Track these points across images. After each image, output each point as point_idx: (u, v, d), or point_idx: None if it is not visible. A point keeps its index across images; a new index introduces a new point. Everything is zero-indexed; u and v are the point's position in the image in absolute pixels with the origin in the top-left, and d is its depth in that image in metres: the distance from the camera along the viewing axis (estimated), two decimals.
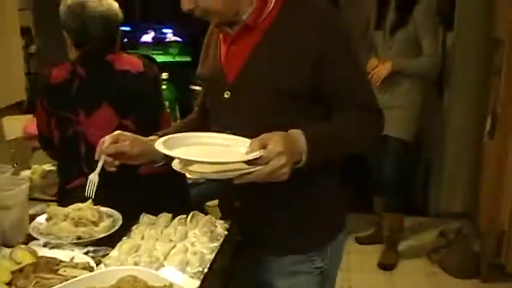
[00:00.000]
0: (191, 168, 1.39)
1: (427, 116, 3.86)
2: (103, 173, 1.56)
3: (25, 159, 3.13)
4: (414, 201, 4.57)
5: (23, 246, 1.36)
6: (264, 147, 1.31)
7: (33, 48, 4.70)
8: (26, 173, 2.68)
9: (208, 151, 1.43)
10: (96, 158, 1.55)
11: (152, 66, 2.30)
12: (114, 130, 2.07)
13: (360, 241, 4.04)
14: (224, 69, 1.58)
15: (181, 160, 1.40)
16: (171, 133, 1.65)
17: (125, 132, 1.60)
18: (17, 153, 3.29)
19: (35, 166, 2.71)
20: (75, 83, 2.17)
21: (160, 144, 1.39)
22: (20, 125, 3.43)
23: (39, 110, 2.27)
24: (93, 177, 1.56)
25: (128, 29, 5.64)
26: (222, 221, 1.54)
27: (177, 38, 5.86)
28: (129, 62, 2.24)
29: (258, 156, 1.30)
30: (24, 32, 4.59)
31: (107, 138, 1.55)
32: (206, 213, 1.60)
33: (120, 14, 2.26)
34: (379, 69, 3.46)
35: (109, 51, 2.22)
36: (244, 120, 1.53)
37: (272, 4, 1.53)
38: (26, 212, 1.55)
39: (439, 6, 3.94)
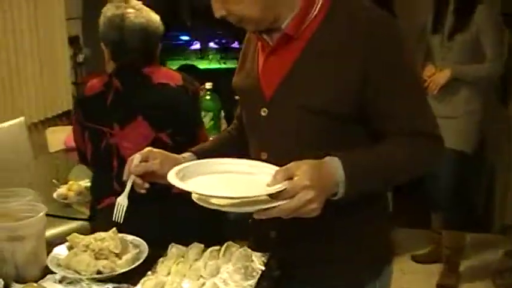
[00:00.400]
0: (209, 199, 1.23)
1: (490, 124, 3.58)
2: (132, 193, 1.43)
3: (66, 173, 3.06)
4: (476, 216, 4.25)
5: (34, 284, 1.22)
6: (289, 178, 1.16)
7: (81, 57, 4.67)
8: (62, 189, 2.59)
9: (229, 181, 1.30)
10: (124, 178, 1.42)
11: (192, 81, 2.17)
12: (150, 144, 2.00)
13: (417, 260, 3.78)
14: (261, 83, 1.41)
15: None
16: (207, 148, 1.58)
17: (156, 150, 1.46)
18: (60, 166, 3.24)
19: (71, 182, 2.61)
20: (110, 95, 2.09)
21: (173, 176, 1.25)
22: (63, 137, 3.39)
23: (74, 122, 2.22)
24: (122, 201, 1.42)
25: (173, 35, 5.55)
26: (259, 254, 1.37)
27: (224, 45, 5.73)
28: (168, 75, 2.14)
29: (281, 189, 1.15)
30: (73, 41, 4.57)
31: (136, 157, 1.42)
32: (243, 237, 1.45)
33: (161, 27, 2.17)
34: (436, 76, 3.21)
35: (147, 64, 2.12)
36: (282, 142, 1.38)
37: (316, 10, 1.35)
38: (42, 244, 1.40)
39: (504, 5, 3.68)
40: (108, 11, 2.13)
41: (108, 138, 2.06)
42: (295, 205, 1.15)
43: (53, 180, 2.78)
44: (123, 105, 2.06)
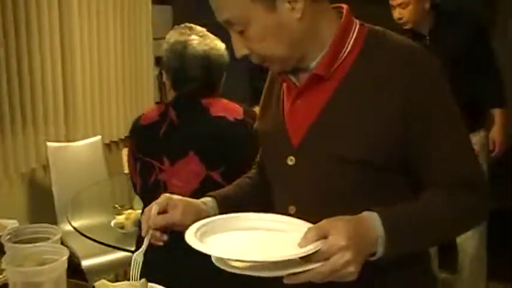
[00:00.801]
0: (230, 262, 1.08)
1: None
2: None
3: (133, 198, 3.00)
4: None
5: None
6: (323, 237, 1.03)
7: None
8: (120, 217, 2.51)
9: (255, 239, 1.16)
10: (142, 234, 1.29)
11: (255, 115, 2.00)
12: (200, 183, 1.83)
13: None
14: (288, 129, 1.26)
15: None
16: (229, 194, 1.44)
17: (175, 197, 1.33)
18: (127, 189, 3.19)
19: (130, 211, 2.51)
20: (163, 127, 1.95)
21: (192, 235, 1.11)
22: None
23: (129, 152, 2.09)
24: (138, 257, 1.29)
25: None
26: None
27: None
28: (227, 107, 1.95)
29: (314, 251, 1.01)
30: (159, 61, 4.58)
31: (154, 207, 1.29)
32: None
33: (226, 56, 2.01)
34: None
35: (207, 95, 1.97)
36: (312, 194, 1.23)
37: (349, 47, 1.20)
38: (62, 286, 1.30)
39: None
40: (171, 37, 2.00)
41: (158, 173, 1.92)
42: (330, 268, 1.01)
43: (116, 205, 2.72)
44: (176, 138, 1.92)
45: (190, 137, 1.91)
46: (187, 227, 1.20)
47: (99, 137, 3.68)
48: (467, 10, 3.09)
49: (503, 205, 2.99)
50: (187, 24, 2.04)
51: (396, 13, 2.94)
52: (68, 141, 3.67)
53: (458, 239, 2.98)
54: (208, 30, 2.04)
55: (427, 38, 2.95)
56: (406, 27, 2.95)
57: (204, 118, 1.93)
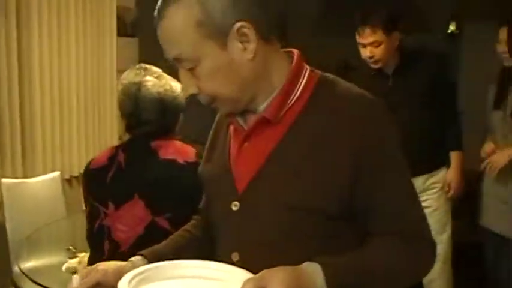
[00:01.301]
0: None
1: None
2: None
3: None
4: None
5: None
6: None
7: None
8: (72, 261, 2.41)
9: None
10: None
11: None
12: (145, 228, 1.77)
13: None
14: (233, 173, 1.23)
15: None
16: (161, 251, 1.35)
17: (101, 265, 1.27)
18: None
19: (82, 254, 2.42)
20: (111, 171, 1.88)
21: (125, 284, 1.07)
22: None
23: (83, 195, 2.01)
24: None
25: None
26: None
27: None
28: (179, 150, 1.89)
29: None
30: None
31: (75, 277, 1.27)
32: None
33: (182, 98, 1.96)
34: (496, 157, 2.85)
35: (160, 138, 1.90)
36: (256, 241, 1.18)
37: (298, 92, 1.19)
38: None
39: None
40: (126, 78, 1.94)
41: (103, 218, 1.85)
42: None
43: (70, 247, 2.61)
44: (122, 181, 1.85)
45: (136, 181, 1.85)
46: (113, 285, 1.15)
47: (57, 173, 3.58)
48: (429, 47, 3.14)
49: (467, 239, 2.98)
50: (143, 64, 1.98)
51: (367, 52, 2.86)
52: (26, 177, 3.56)
53: (425, 280, 2.93)
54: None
55: (391, 77, 2.93)
56: (375, 66, 2.90)
57: (152, 161, 1.87)
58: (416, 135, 2.81)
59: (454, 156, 3.01)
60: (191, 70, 1.15)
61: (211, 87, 1.15)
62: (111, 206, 1.84)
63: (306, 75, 1.21)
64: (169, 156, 1.87)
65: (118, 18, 4.36)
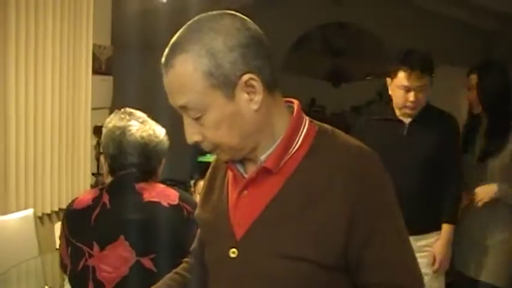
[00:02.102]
0: None
1: None
2: None
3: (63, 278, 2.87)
4: None
5: None
6: None
7: None
8: None
9: None
10: None
11: (191, 201, 1.99)
12: (130, 269, 1.80)
13: None
14: (232, 220, 1.23)
15: None
16: None
17: None
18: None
19: None
20: (95, 211, 1.91)
21: None
22: None
23: (61, 234, 2.02)
24: None
25: None
26: None
27: None
28: (162, 193, 1.94)
29: None
30: (98, 131, 4.52)
31: None
32: None
33: (165, 142, 2.02)
34: (481, 190, 2.87)
35: (143, 180, 1.95)
36: None
37: (298, 143, 1.21)
38: None
39: None
40: (111, 122, 2.00)
41: (87, 258, 1.87)
42: None
43: (46, 287, 2.60)
44: (107, 223, 1.88)
45: (121, 222, 1.88)
46: None
47: (31, 210, 3.54)
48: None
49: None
50: (128, 109, 2.04)
51: (410, 96, 2.63)
52: None
53: None
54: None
55: (407, 126, 2.74)
56: (409, 112, 2.71)
57: (136, 203, 1.91)
58: (416, 192, 2.67)
59: (446, 228, 2.79)
60: (197, 119, 1.16)
61: (216, 136, 1.17)
62: (96, 246, 1.86)
63: (306, 126, 1.23)
64: (154, 199, 1.91)
65: (93, 56, 4.39)
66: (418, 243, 2.70)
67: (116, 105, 4.54)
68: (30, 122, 3.77)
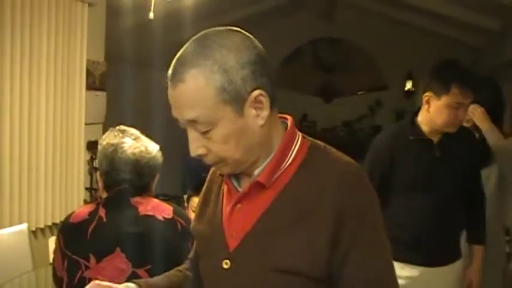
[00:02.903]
0: None
1: None
2: None
3: None
4: None
5: None
6: None
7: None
8: None
9: None
10: None
11: (185, 215, 2.03)
12: (127, 279, 1.83)
13: None
14: (225, 231, 1.26)
15: None
16: (157, 282, 1.45)
17: (103, 283, 1.34)
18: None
19: None
20: (92, 225, 1.94)
21: None
22: None
23: (56, 247, 2.06)
24: None
25: None
26: None
27: None
28: (157, 207, 2.00)
29: None
30: (91, 146, 4.55)
31: None
32: None
33: (159, 158, 2.07)
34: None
35: (138, 195, 2.01)
36: None
37: (290, 159, 1.22)
38: None
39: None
40: (104, 139, 2.06)
41: (84, 270, 1.90)
42: None
43: None
44: (103, 236, 1.91)
45: (117, 235, 1.92)
46: None
47: (25, 225, 3.56)
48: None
49: None
50: (122, 126, 2.09)
51: (461, 114, 2.42)
52: None
53: None
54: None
55: (437, 146, 2.49)
56: (452, 131, 2.47)
57: (132, 216, 1.95)
58: (448, 218, 2.51)
59: (478, 251, 2.63)
60: (204, 132, 1.17)
61: (223, 150, 1.17)
62: (92, 258, 1.89)
63: (299, 141, 1.25)
64: (149, 213, 1.96)
65: (87, 71, 4.43)
66: (447, 275, 2.55)
67: (109, 120, 4.61)
68: (24, 137, 3.81)
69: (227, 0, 6.30)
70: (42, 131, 3.94)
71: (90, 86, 4.52)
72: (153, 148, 2.06)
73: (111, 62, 4.88)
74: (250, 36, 1.20)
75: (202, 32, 1.19)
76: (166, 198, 2.34)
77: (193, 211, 3.34)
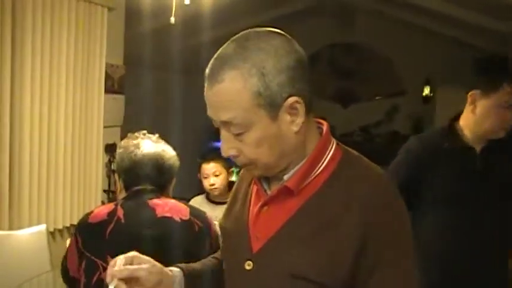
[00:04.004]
0: None
1: None
2: None
3: None
4: None
5: None
6: None
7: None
8: None
9: None
10: (107, 280, 1.26)
11: (202, 216, 2.05)
12: None
13: None
14: (250, 232, 1.26)
15: None
16: (196, 268, 1.46)
17: (142, 256, 1.32)
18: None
19: None
20: (110, 226, 1.96)
21: None
22: None
23: (72, 247, 2.06)
24: None
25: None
26: None
27: None
28: (174, 208, 2.02)
29: None
30: (109, 148, 4.59)
31: (120, 258, 1.27)
32: None
33: (176, 162, 2.12)
34: None
35: (155, 196, 2.04)
36: None
37: (322, 167, 1.21)
38: None
39: None
40: (125, 141, 2.13)
41: (101, 272, 1.92)
42: None
43: None
44: (121, 237, 1.93)
45: (135, 237, 1.93)
46: (149, 286, 1.24)
47: (43, 226, 3.59)
48: None
49: None
50: (143, 131, 2.15)
51: (509, 115, 2.15)
52: (11, 229, 3.58)
53: None
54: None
55: (479, 156, 2.22)
56: (500, 136, 2.18)
57: (150, 218, 1.97)
58: (495, 233, 2.19)
59: None
60: (237, 134, 1.17)
61: (254, 153, 1.17)
62: (110, 260, 1.90)
63: (333, 148, 1.24)
64: (166, 214, 1.98)
65: (106, 74, 4.47)
66: None
67: (127, 123, 4.64)
68: (44, 139, 3.85)
69: (245, 5, 6.32)
70: (61, 133, 3.99)
71: (108, 89, 4.56)
72: (171, 152, 2.13)
73: (130, 66, 4.92)
74: (291, 39, 1.20)
75: (242, 33, 1.18)
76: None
77: (204, 178, 3.54)
